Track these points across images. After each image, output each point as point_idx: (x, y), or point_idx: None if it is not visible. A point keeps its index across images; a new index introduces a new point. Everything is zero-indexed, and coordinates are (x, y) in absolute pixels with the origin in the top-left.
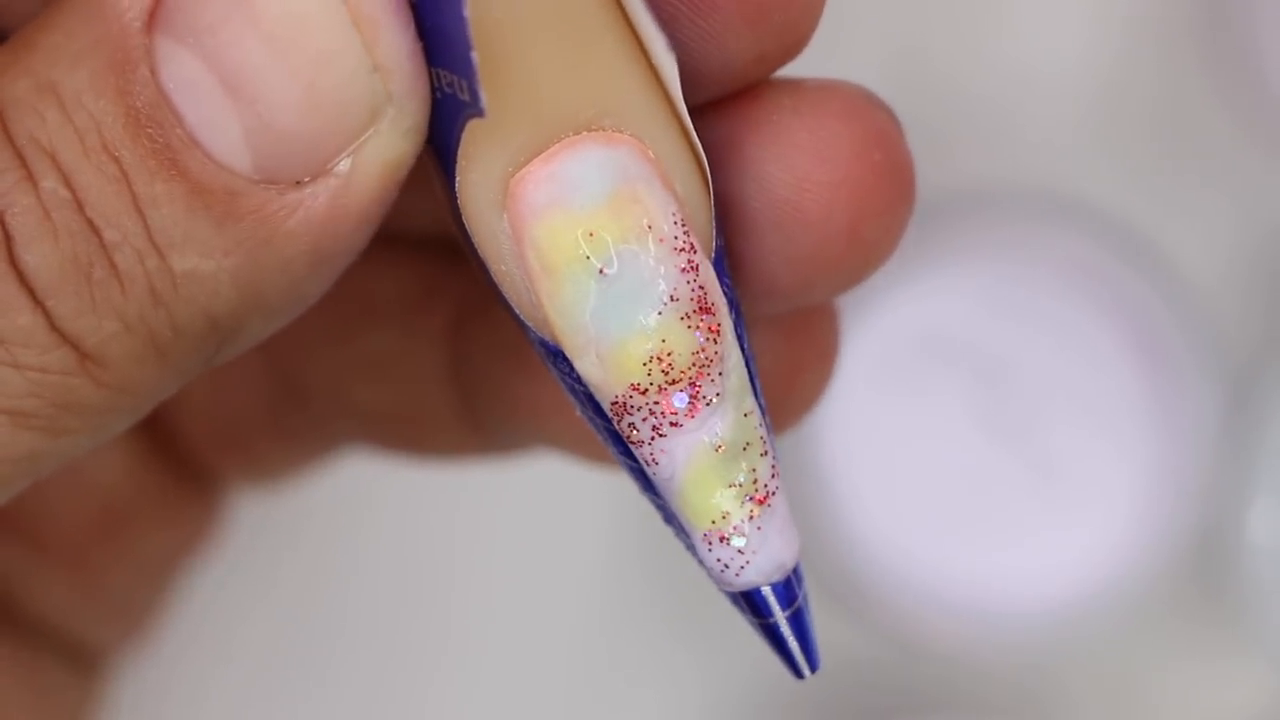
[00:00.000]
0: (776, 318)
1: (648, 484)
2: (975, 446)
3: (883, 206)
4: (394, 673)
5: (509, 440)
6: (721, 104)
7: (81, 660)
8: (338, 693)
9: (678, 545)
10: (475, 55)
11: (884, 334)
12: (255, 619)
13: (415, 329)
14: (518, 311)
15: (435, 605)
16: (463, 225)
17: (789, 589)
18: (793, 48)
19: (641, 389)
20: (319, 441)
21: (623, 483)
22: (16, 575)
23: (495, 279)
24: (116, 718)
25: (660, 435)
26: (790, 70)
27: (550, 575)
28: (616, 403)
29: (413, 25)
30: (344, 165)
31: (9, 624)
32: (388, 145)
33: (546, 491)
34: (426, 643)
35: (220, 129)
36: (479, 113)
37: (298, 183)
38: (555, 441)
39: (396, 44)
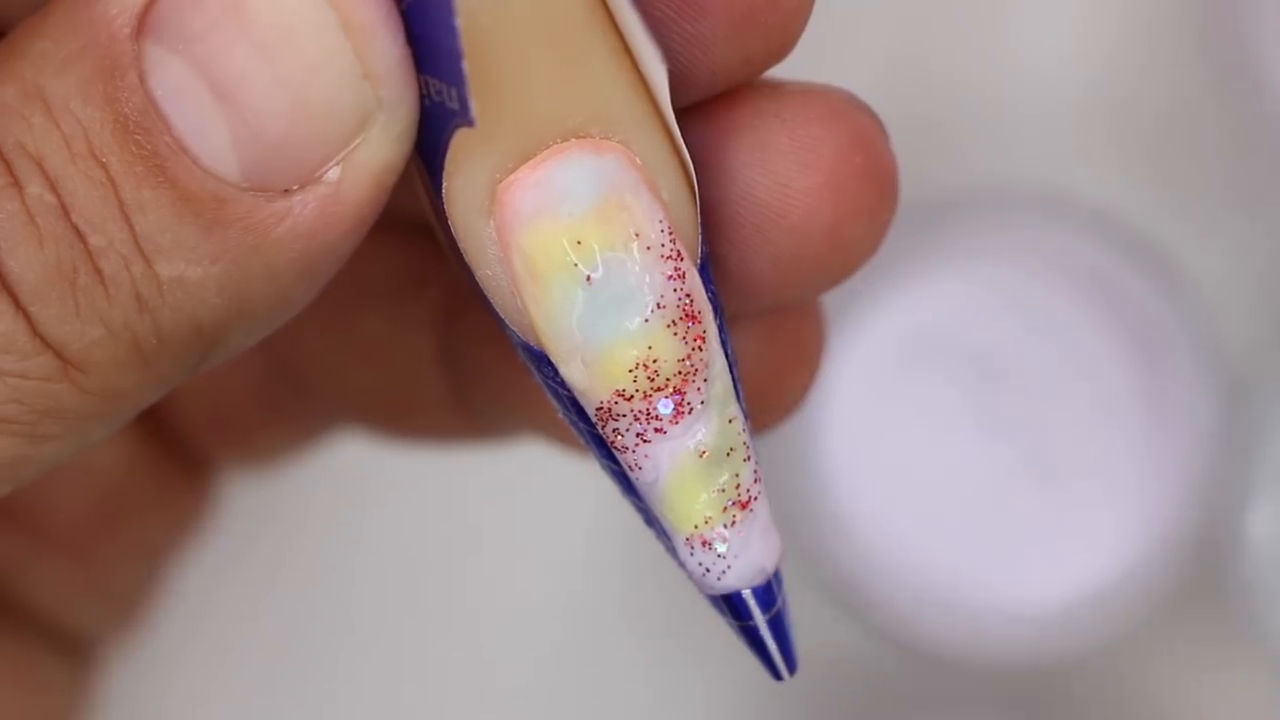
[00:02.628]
0: (761, 319)
1: (629, 487)
2: (975, 447)
3: (865, 209)
4: (388, 659)
5: (497, 425)
6: (703, 107)
7: (73, 647)
8: (331, 679)
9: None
10: (466, 65)
11: (884, 334)
12: (247, 605)
13: (405, 313)
14: (503, 316)
15: (429, 590)
16: (447, 229)
17: (769, 592)
18: (779, 52)
19: (627, 395)
20: (311, 424)
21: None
22: (8, 562)
23: (480, 284)
24: (107, 706)
25: (645, 441)
26: (792, 72)
27: (543, 564)
28: (601, 408)
29: (402, 32)
30: (334, 173)
31: (0, 611)
32: (378, 152)
33: (539, 477)
34: (420, 629)
35: (208, 136)
36: (469, 122)
37: (286, 190)
38: (542, 428)
39: (387, 51)
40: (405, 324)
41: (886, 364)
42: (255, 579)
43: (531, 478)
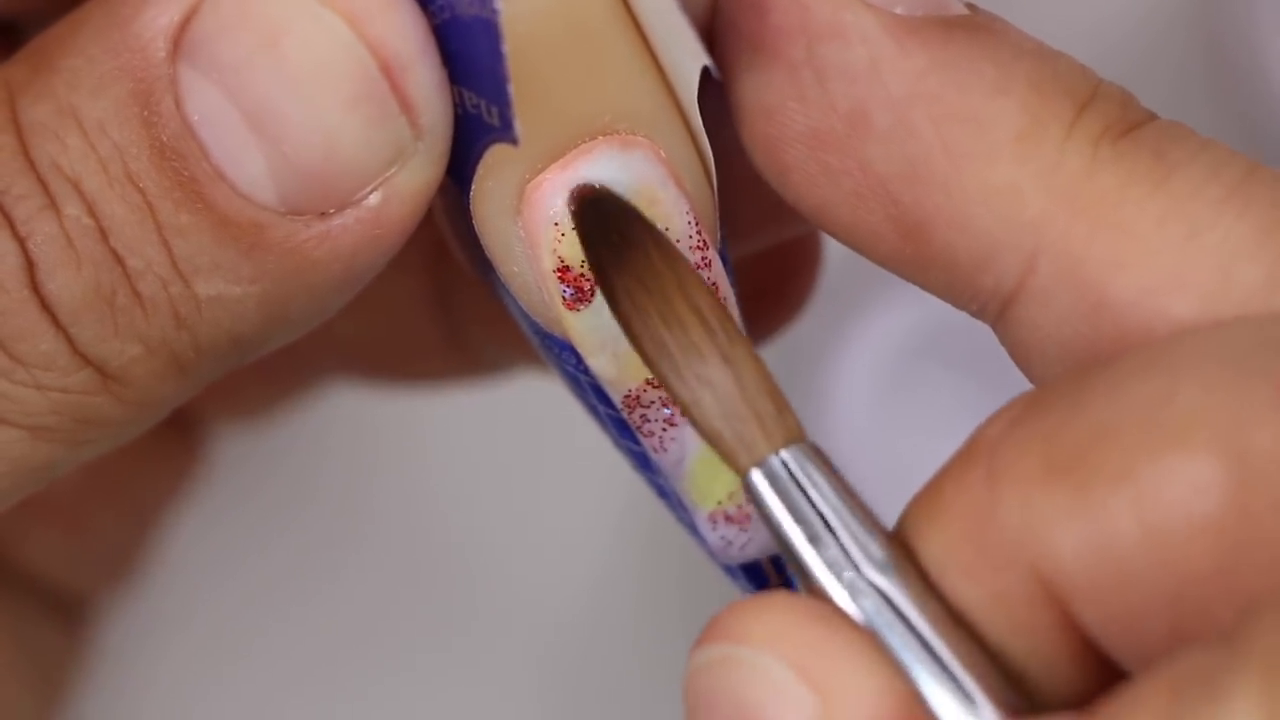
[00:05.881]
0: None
1: (646, 464)
2: None
3: None
4: (381, 614)
5: (493, 362)
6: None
7: (67, 606)
8: (325, 635)
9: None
10: (513, 88)
11: (887, 333)
12: (240, 561)
13: (397, 260)
14: (526, 310)
15: (424, 543)
16: (467, 226)
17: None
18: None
19: (656, 384)
20: (300, 377)
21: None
22: (1, 526)
23: (504, 279)
24: (102, 662)
25: (671, 425)
26: None
27: (538, 521)
28: (629, 396)
29: (438, 56)
30: (374, 199)
31: None
32: (418, 175)
33: (532, 433)
34: (415, 583)
35: (244, 163)
36: (512, 140)
37: (324, 213)
38: (536, 362)
39: (426, 82)
40: (395, 265)
41: (892, 360)
42: (248, 535)
43: (524, 433)
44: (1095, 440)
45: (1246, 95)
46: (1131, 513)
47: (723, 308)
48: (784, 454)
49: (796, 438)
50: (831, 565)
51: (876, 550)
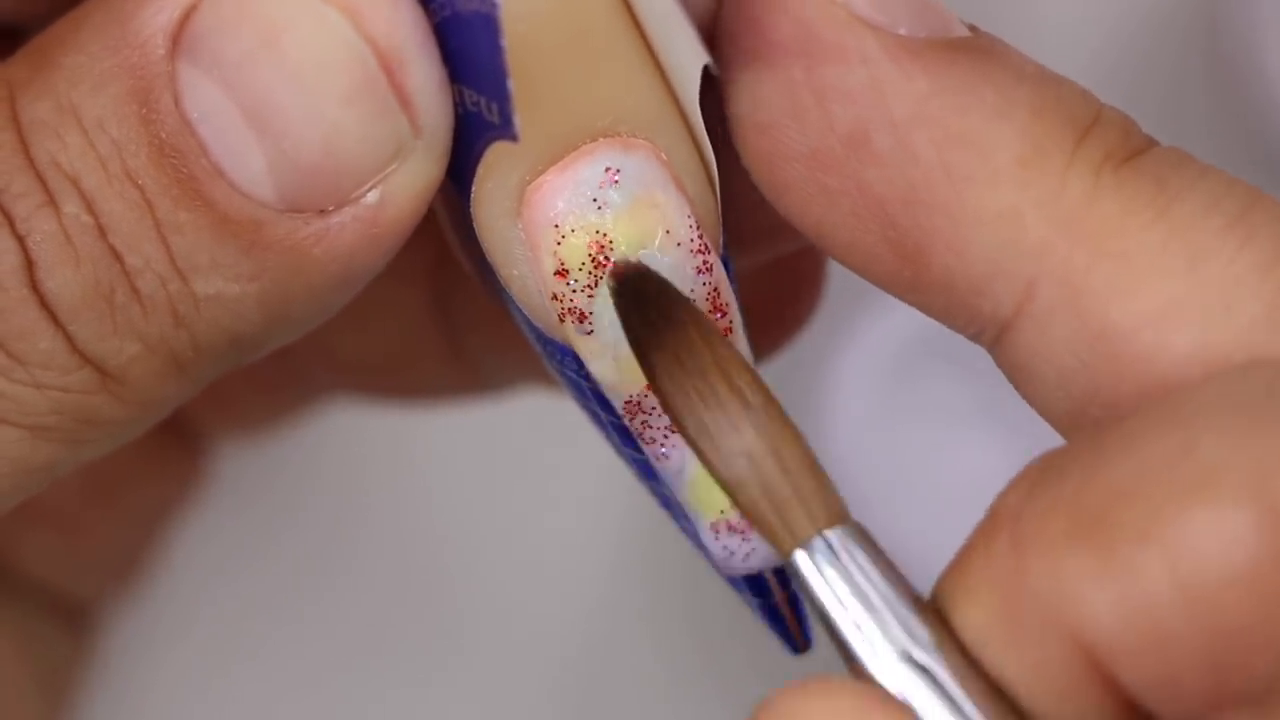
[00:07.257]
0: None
1: (649, 473)
2: (982, 445)
3: None
4: (379, 623)
5: (495, 378)
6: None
7: (68, 614)
8: (324, 641)
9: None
10: (512, 83)
11: (889, 333)
12: (242, 571)
13: (396, 270)
14: (526, 313)
15: (423, 558)
16: (468, 229)
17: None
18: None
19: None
20: (300, 393)
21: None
22: (3, 533)
23: (504, 282)
24: (104, 668)
25: (672, 431)
26: None
27: (534, 534)
28: (630, 402)
29: (438, 53)
30: (373, 196)
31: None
32: (417, 173)
33: (529, 444)
34: (412, 598)
35: (244, 160)
36: (512, 137)
37: (322, 211)
38: (543, 377)
39: (426, 77)
40: (395, 281)
41: (893, 360)
42: (250, 545)
43: (522, 447)
44: (1118, 499)
45: (1246, 95)
46: (1163, 570)
47: (763, 385)
48: (827, 534)
49: (839, 518)
50: (877, 647)
51: (920, 630)
